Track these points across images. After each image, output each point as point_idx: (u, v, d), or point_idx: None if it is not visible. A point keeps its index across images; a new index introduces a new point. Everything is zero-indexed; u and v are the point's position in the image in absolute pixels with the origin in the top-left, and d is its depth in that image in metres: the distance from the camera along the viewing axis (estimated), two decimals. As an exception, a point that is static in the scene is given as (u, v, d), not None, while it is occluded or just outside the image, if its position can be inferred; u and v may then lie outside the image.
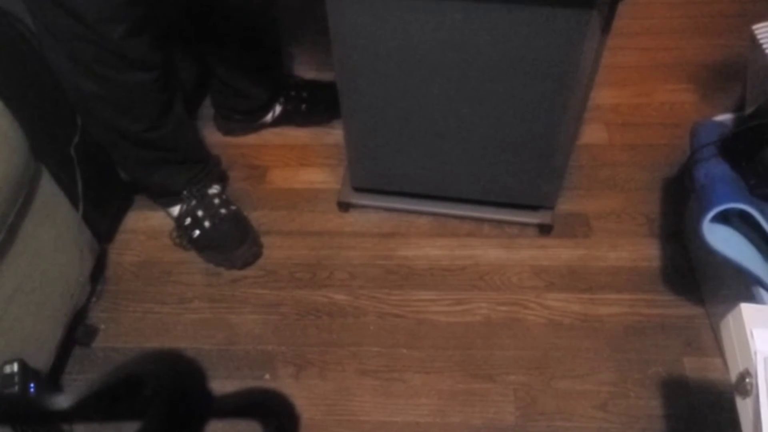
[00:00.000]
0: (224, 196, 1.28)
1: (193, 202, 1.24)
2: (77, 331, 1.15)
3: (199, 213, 1.23)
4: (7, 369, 0.93)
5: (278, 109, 1.44)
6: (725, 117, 1.14)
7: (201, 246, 1.25)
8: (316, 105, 1.44)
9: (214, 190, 1.27)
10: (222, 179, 1.33)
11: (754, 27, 1.09)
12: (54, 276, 1.06)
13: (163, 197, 1.28)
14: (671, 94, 1.49)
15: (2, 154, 0.90)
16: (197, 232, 1.24)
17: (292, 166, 1.42)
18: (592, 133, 1.42)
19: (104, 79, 1.03)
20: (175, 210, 1.26)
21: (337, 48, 1.01)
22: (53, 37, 0.99)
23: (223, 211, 1.24)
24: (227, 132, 1.46)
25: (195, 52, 1.33)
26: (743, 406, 0.61)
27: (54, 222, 1.07)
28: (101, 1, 0.93)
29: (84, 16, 0.93)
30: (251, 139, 1.46)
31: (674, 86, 1.51)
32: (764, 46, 1.06)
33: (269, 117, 1.44)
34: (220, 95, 1.41)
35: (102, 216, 1.25)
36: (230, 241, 1.23)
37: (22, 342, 0.99)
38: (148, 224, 1.32)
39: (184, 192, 1.24)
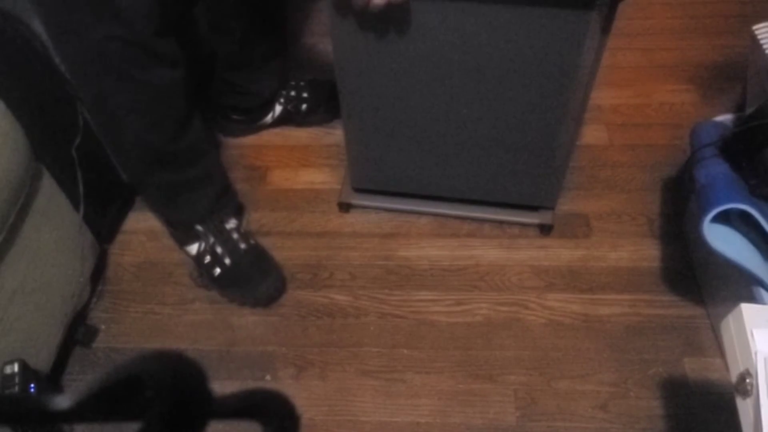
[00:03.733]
0: (242, 230, 1.24)
1: (212, 240, 1.20)
2: (78, 332, 1.15)
3: (219, 250, 1.19)
4: (8, 369, 0.93)
5: (278, 109, 1.44)
6: (725, 117, 1.14)
7: (224, 284, 1.21)
8: (316, 105, 1.44)
9: (232, 224, 1.23)
10: (239, 213, 1.29)
11: (755, 27, 1.09)
12: (54, 276, 1.06)
13: (180, 232, 1.24)
14: (671, 94, 1.49)
15: (3, 154, 0.90)
16: (218, 270, 1.19)
17: (292, 166, 1.42)
18: (592, 134, 1.42)
19: (132, 81, 1.00)
20: (193, 249, 1.22)
21: (337, 49, 1.02)
22: (79, 44, 0.95)
23: (242, 246, 1.20)
24: (227, 133, 1.46)
25: (194, 51, 1.33)
26: (743, 406, 0.61)
27: (54, 223, 1.07)
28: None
29: (122, 14, 0.91)
30: (251, 139, 1.46)
31: (674, 87, 1.51)
32: (764, 46, 1.07)
33: (269, 117, 1.44)
34: (221, 94, 1.41)
35: (102, 217, 1.25)
36: (253, 277, 1.19)
37: (23, 342, 0.99)
38: (149, 225, 1.32)
39: (200, 228, 1.20)
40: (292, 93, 1.44)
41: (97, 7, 0.89)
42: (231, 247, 1.20)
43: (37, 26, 1.03)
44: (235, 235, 1.21)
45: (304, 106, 1.44)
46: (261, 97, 1.41)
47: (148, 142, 1.09)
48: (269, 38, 1.33)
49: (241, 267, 1.19)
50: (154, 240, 1.30)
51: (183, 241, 1.24)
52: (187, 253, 1.24)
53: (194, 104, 1.13)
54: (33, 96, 1.04)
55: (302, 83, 1.46)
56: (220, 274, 1.20)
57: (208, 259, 1.20)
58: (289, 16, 1.59)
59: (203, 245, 1.20)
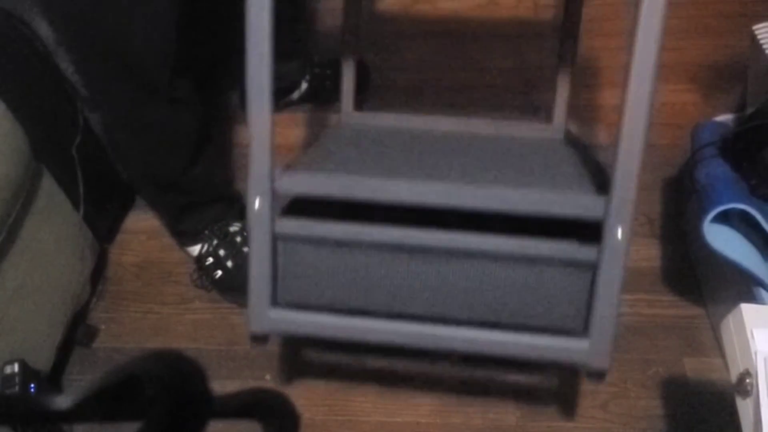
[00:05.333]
0: (246, 233, 1.22)
1: (215, 242, 1.18)
2: (78, 332, 1.15)
3: (221, 252, 1.18)
4: (8, 369, 0.93)
5: (304, 86, 1.45)
6: (726, 117, 1.14)
7: (224, 287, 1.20)
8: (338, 83, 1.45)
9: (235, 227, 1.21)
10: (243, 215, 1.27)
11: (755, 27, 1.09)
12: (54, 276, 1.06)
13: (183, 236, 1.23)
14: (672, 94, 1.49)
15: (3, 154, 0.90)
16: (219, 272, 1.19)
17: (292, 166, 1.41)
18: (593, 134, 1.42)
19: (143, 121, 1.00)
20: (195, 249, 1.21)
21: None
22: (99, 89, 0.96)
23: (246, 249, 1.19)
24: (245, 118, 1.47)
25: (215, 38, 1.31)
26: (743, 406, 0.61)
27: (55, 222, 1.07)
28: (158, 43, 0.91)
29: (139, 58, 0.91)
30: (252, 139, 1.46)
31: (675, 87, 1.51)
32: (765, 46, 1.06)
33: (296, 94, 1.45)
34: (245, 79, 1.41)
35: (103, 216, 1.25)
36: None
37: (23, 342, 0.99)
38: (149, 224, 1.32)
39: (205, 231, 1.19)
40: (317, 70, 1.45)
41: (113, 50, 0.89)
42: (234, 250, 1.19)
43: (38, 26, 1.03)
44: (239, 238, 1.20)
45: (328, 83, 1.45)
46: (287, 80, 1.41)
47: (156, 174, 1.09)
48: (293, 24, 1.32)
49: (243, 270, 1.16)
50: (154, 239, 1.30)
51: (185, 242, 1.23)
52: (188, 254, 1.23)
53: (207, 136, 1.12)
54: (33, 96, 1.04)
55: (326, 61, 1.46)
56: (221, 277, 1.19)
57: (209, 261, 1.19)
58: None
59: (206, 247, 1.19)
